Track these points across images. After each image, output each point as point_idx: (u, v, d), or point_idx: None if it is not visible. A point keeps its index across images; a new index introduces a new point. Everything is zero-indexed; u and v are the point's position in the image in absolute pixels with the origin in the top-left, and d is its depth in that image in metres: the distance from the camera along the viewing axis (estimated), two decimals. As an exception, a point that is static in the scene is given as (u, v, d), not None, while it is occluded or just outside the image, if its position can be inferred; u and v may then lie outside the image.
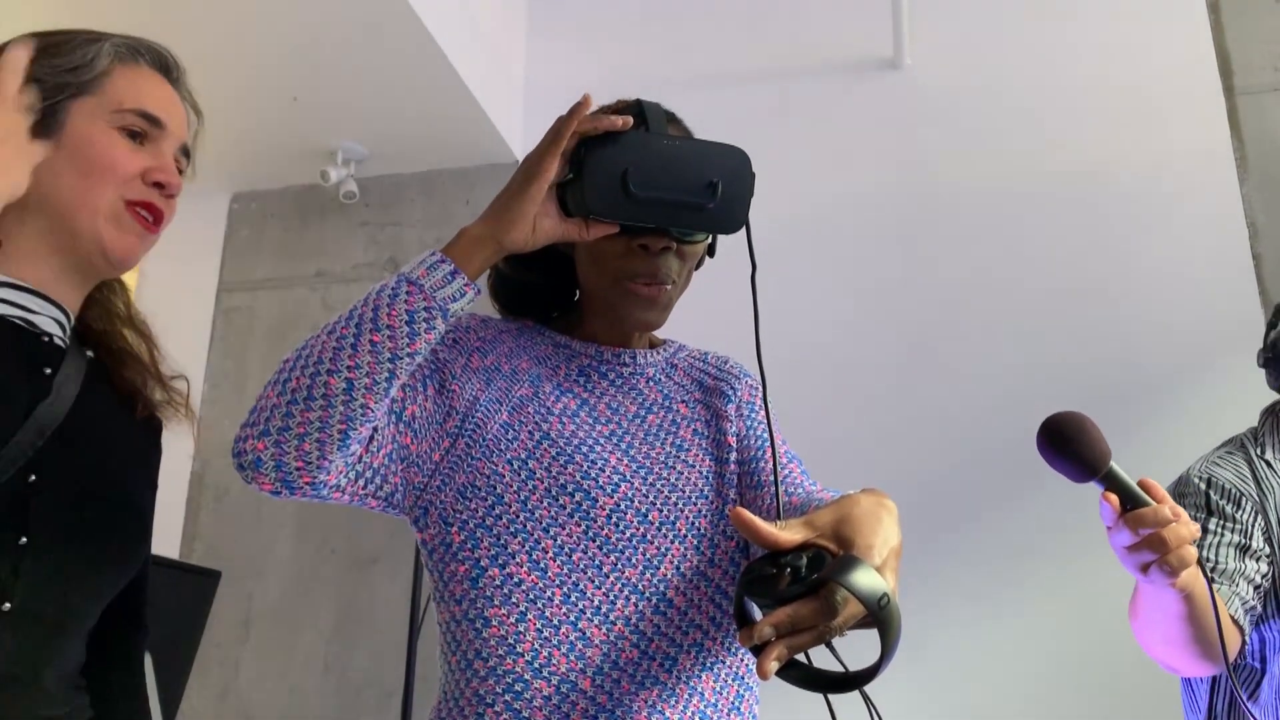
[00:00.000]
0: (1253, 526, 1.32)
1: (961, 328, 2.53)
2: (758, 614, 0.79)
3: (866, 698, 0.84)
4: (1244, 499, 1.34)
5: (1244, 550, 1.30)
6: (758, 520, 0.79)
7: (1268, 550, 1.31)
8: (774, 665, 0.74)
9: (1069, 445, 0.97)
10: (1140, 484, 0.99)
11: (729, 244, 1.10)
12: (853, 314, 2.61)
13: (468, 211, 3.00)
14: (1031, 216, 2.56)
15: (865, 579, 0.73)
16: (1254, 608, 1.28)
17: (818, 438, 2.38)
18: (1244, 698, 1.20)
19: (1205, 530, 1.31)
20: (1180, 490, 1.37)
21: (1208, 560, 1.28)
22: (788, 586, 0.77)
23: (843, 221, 2.70)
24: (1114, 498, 0.97)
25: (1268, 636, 1.31)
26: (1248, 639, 1.28)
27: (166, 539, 2.85)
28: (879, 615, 0.73)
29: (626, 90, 1.12)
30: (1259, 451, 1.41)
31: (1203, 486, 1.35)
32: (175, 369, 1.12)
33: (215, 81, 2.65)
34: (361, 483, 0.93)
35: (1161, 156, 2.52)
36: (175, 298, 3.18)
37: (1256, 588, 1.29)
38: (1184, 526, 0.97)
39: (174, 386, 1.11)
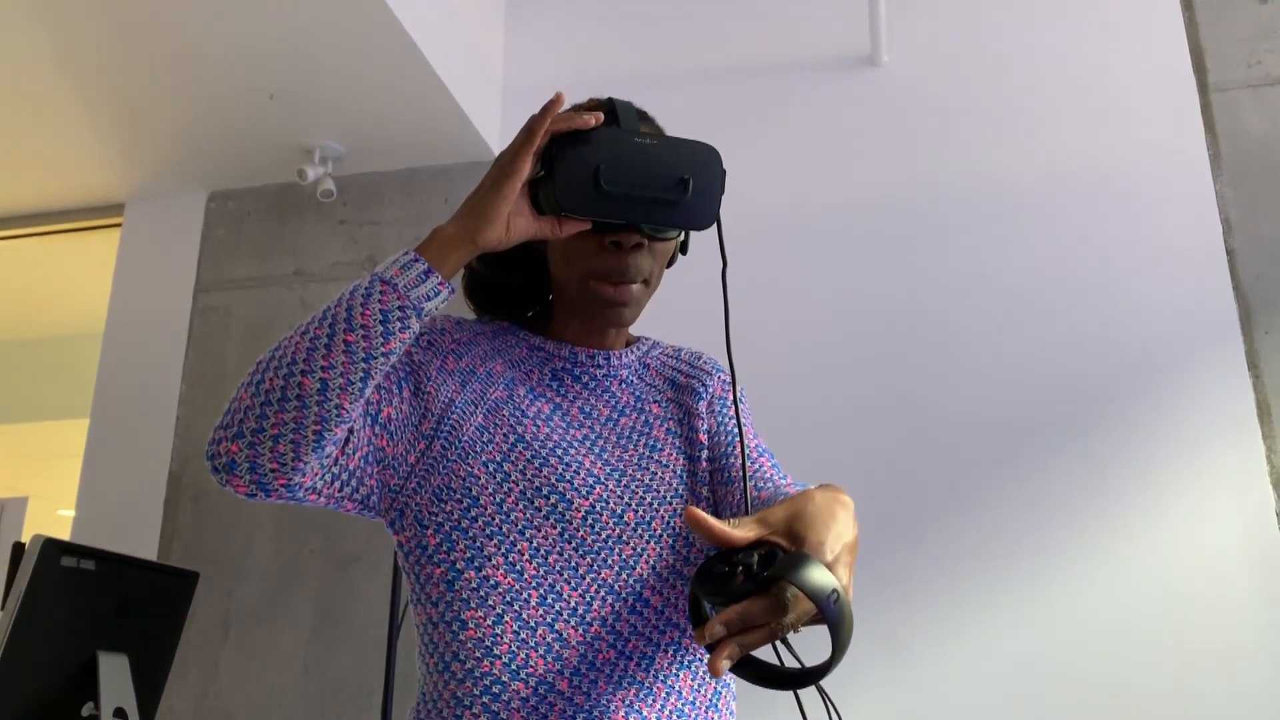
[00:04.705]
0: None
1: (937, 325, 2.54)
2: (713, 613, 0.79)
3: (823, 693, 0.85)
4: None
5: None
6: (710, 519, 0.80)
7: None
8: (726, 663, 0.75)
9: None
10: None
11: (703, 243, 1.10)
12: (829, 312, 2.62)
13: (446, 210, 2.99)
14: (1007, 214, 2.58)
15: (815, 575, 0.74)
16: None
17: (793, 436, 2.39)
18: None
19: None
20: None
21: None
22: (739, 585, 0.78)
23: (818, 218, 2.70)
24: None
25: None
26: None
27: (145, 540, 2.83)
28: (828, 612, 0.74)
29: (604, 88, 1.12)
30: None
31: None
32: None
33: (192, 79, 2.67)
34: (337, 485, 0.93)
35: (1136, 153, 2.54)
36: (152, 297, 3.16)
37: None
38: None
39: None
